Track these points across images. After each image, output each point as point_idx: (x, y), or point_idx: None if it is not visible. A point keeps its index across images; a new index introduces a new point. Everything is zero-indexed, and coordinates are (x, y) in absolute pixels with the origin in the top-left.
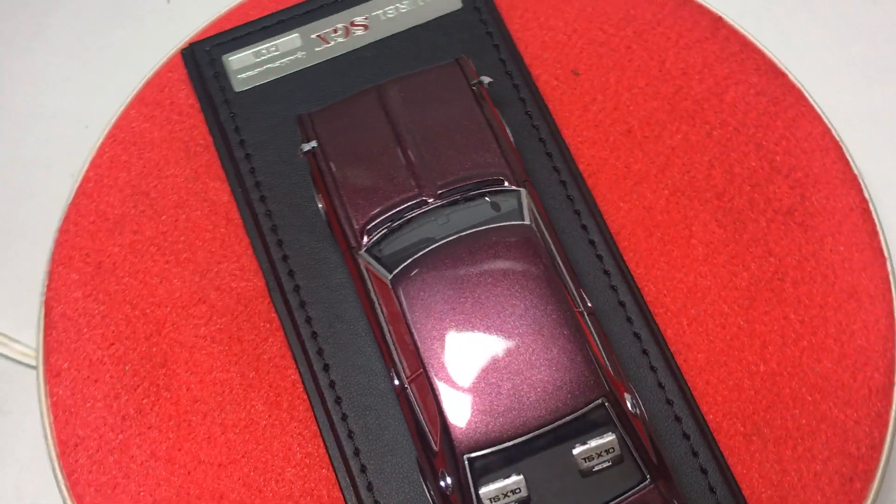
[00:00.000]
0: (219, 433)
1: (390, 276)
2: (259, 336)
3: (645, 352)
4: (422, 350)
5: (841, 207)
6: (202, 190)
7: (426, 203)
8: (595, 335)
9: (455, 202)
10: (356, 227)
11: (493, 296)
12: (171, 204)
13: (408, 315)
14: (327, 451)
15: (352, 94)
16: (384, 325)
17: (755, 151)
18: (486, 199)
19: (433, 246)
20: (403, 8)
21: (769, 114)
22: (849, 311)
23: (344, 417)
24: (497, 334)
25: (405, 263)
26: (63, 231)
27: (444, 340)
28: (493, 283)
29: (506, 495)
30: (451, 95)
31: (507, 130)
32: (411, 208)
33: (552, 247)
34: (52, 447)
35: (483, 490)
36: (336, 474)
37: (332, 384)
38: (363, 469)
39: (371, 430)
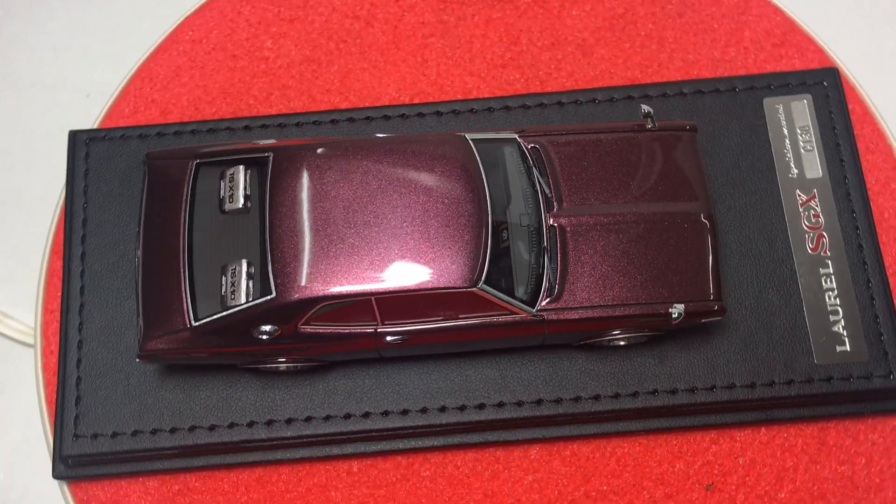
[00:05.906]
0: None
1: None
2: None
3: None
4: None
5: None
6: None
7: (547, 201)
8: None
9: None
10: (528, 131)
11: (417, 206)
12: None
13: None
14: None
15: (700, 158)
16: None
17: None
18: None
19: (479, 163)
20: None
21: None
22: None
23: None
24: (381, 220)
25: (466, 140)
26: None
27: (347, 204)
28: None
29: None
30: (683, 254)
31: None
32: (535, 179)
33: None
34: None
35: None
36: None
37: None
38: None
39: None
